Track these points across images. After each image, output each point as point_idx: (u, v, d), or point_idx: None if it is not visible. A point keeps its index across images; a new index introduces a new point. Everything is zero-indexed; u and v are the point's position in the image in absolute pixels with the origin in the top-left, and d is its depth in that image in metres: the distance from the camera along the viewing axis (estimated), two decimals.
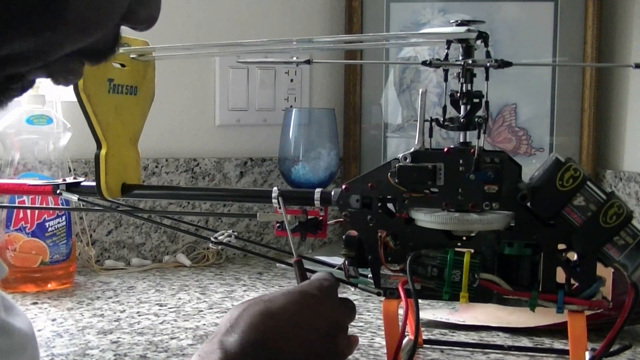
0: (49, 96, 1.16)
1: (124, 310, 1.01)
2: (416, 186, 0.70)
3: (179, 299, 1.07)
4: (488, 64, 0.69)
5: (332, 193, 0.74)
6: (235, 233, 0.81)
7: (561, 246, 0.69)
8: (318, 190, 0.75)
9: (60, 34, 0.39)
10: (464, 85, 0.71)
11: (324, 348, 0.64)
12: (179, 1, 1.33)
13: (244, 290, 1.13)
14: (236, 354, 0.58)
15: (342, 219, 0.73)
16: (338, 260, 0.77)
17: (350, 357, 0.82)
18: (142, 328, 0.93)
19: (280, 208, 0.76)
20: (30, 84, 0.43)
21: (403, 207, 0.71)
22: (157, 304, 1.04)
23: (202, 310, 1.01)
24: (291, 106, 1.40)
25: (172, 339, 0.89)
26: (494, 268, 0.70)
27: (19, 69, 0.40)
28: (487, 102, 0.70)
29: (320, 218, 0.77)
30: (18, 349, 0.53)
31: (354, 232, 0.74)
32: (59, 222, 1.11)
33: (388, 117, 1.41)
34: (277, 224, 0.78)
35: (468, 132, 0.71)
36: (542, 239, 0.69)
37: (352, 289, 0.76)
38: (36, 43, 0.39)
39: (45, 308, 1.01)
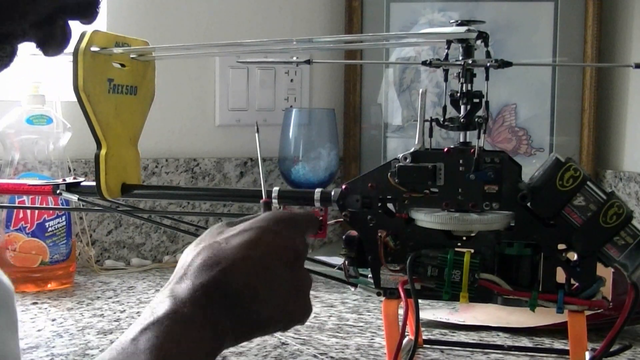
0: (49, 96, 1.16)
1: (124, 310, 1.00)
2: (416, 186, 0.70)
3: None
4: (488, 64, 0.69)
5: (332, 193, 0.74)
6: None
7: (561, 246, 0.69)
8: (318, 190, 0.75)
9: None
10: (464, 85, 0.71)
11: (287, 285, 0.59)
12: (179, 1, 1.33)
13: None
14: (186, 301, 0.54)
15: (342, 219, 0.73)
16: (338, 260, 0.77)
17: (350, 357, 0.82)
18: None
19: (279, 208, 0.76)
20: (16, 51, 0.46)
21: (403, 207, 0.71)
22: None
23: None
24: (291, 106, 1.40)
25: None
26: (494, 268, 0.70)
27: (11, 26, 0.43)
28: (487, 102, 0.70)
29: (321, 218, 0.77)
30: (1, 302, 0.50)
31: (354, 232, 0.74)
32: (59, 222, 1.11)
33: (388, 117, 1.41)
34: None
35: (468, 132, 0.71)
36: (542, 239, 0.69)
37: (352, 289, 0.76)
38: None
39: (45, 308, 1.01)
